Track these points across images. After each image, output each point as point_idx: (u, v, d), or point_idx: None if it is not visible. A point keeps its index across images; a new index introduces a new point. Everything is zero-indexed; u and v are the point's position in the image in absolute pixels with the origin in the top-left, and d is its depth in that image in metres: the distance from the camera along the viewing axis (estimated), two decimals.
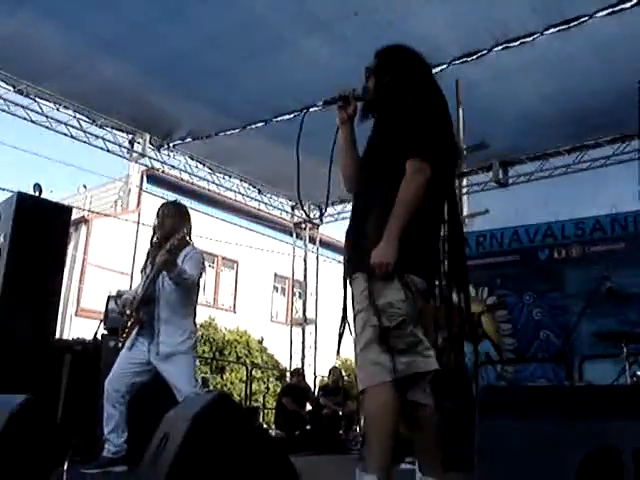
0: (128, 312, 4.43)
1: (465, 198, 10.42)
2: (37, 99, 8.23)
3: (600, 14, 6.07)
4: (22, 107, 8.21)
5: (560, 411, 1.46)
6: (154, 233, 4.57)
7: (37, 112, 8.33)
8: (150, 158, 9.69)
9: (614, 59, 6.88)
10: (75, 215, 14.25)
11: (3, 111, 8.10)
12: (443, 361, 6.27)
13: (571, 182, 8.94)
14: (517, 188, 9.61)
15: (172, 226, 4.39)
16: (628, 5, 5.92)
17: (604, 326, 7.04)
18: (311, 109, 3.05)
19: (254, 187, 11.22)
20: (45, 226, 5.92)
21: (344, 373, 16.97)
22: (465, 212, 10.31)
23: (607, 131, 8.54)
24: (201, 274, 4.47)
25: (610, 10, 6.01)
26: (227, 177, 10.74)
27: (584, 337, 7.29)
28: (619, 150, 8.66)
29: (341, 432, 9.80)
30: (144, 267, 4.56)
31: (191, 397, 3.90)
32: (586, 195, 8.84)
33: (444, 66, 6.95)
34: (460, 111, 7.87)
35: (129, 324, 4.41)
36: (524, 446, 1.44)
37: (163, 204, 4.70)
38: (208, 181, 10.67)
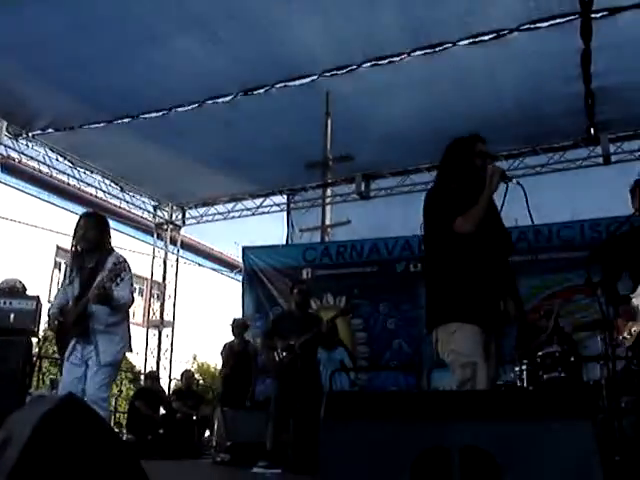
0: (61, 321, 4.55)
1: (329, 208, 10.66)
2: None
3: (462, 42, 6.43)
4: None
5: (397, 415, 1.55)
6: (76, 243, 4.63)
7: None
8: (7, 147, 9.16)
9: (473, 86, 7.30)
10: None
11: None
12: (298, 367, 6.42)
13: None
14: (379, 201, 9.91)
15: (95, 238, 4.56)
16: (486, 38, 6.33)
17: None
18: None
19: (116, 184, 10.87)
20: None
21: (199, 377, 16.78)
22: (328, 222, 10.56)
23: None
24: (133, 289, 4.62)
25: (471, 40, 6.38)
26: (89, 172, 10.33)
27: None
28: None
29: (194, 437, 9.68)
30: (70, 274, 4.67)
31: (36, 398, 3.80)
32: None
33: (315, 77, 7.09)
34: (329, 122, 8.07)
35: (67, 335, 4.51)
36: (363, 448, 1.51)
37: (84, 215, 4.77)
38: (68, 175, 10.24)
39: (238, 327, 8.72)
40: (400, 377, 8.21)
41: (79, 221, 4.65)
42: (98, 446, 2.51)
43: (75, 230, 4.63)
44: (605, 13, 6.10)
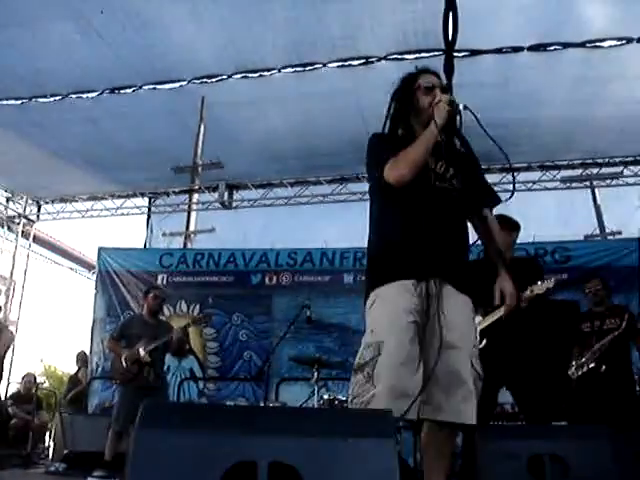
0: None
1: (194, 215, 10.55)
2: None
3: (332, 65, 6.63)
4: None
5: (210, 427, 1.57)
6: None
7: None
8: None
9: (341, 107, 7.50)
10: None
11: None
12: (145, 376, 6.29)
13: (291, 213, 9.46)
14: (244, 211, 9.92)
15: None
16: (355, 63, 6.56)
17: (303, 351, 7.59)
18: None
19: None
20: None
21: (46, 380, 16.01)
22: (192, 228, 10.46)
23: (328, 171, 9.20)
24: None
25: (341, 63, 6.60)
26: None
27: (284, 360, 7.74)
28: (336, 190, 9.37)
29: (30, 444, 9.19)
30: None
31: None
32: (302, 227, 9.45)
33: (184, 83, 7.04)
34: (202, 128, 8.03)
35: None
36: (174, 460, 1.52)
37: None
38: None
39: None
40: (249, 388, 8.25)
41: None
42: None
43: None
44: (467, 54, 6.50)
